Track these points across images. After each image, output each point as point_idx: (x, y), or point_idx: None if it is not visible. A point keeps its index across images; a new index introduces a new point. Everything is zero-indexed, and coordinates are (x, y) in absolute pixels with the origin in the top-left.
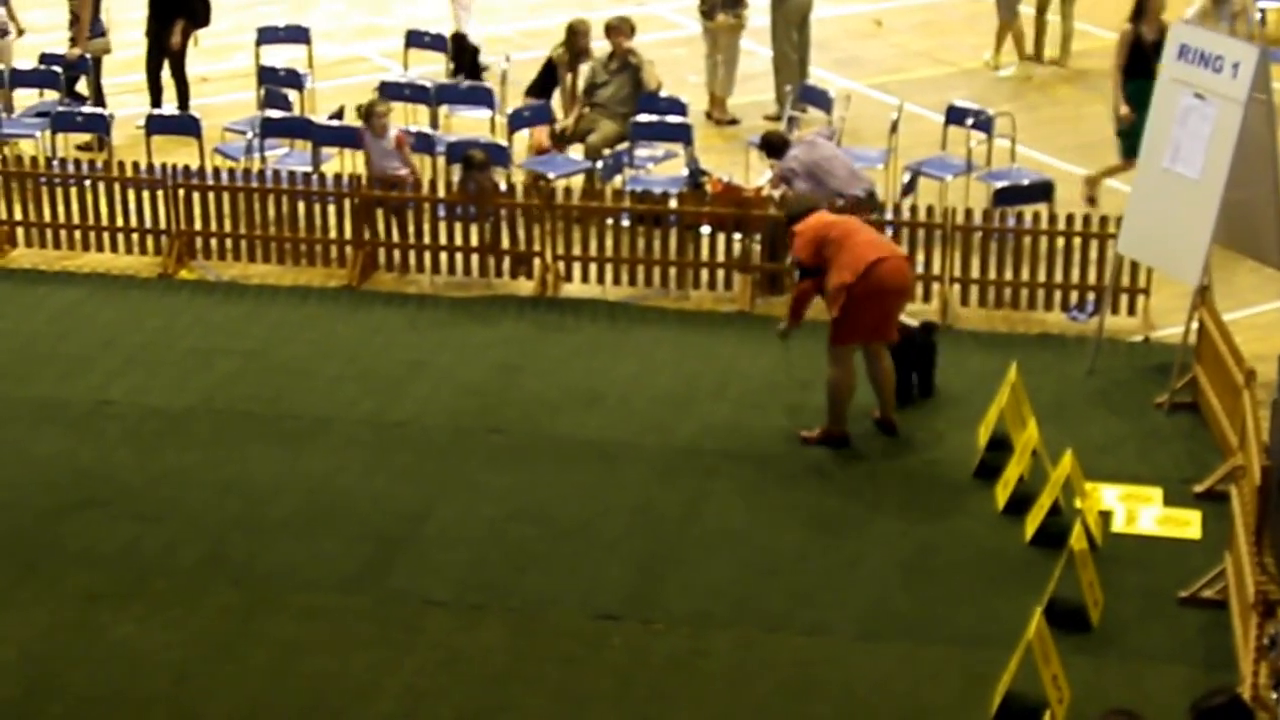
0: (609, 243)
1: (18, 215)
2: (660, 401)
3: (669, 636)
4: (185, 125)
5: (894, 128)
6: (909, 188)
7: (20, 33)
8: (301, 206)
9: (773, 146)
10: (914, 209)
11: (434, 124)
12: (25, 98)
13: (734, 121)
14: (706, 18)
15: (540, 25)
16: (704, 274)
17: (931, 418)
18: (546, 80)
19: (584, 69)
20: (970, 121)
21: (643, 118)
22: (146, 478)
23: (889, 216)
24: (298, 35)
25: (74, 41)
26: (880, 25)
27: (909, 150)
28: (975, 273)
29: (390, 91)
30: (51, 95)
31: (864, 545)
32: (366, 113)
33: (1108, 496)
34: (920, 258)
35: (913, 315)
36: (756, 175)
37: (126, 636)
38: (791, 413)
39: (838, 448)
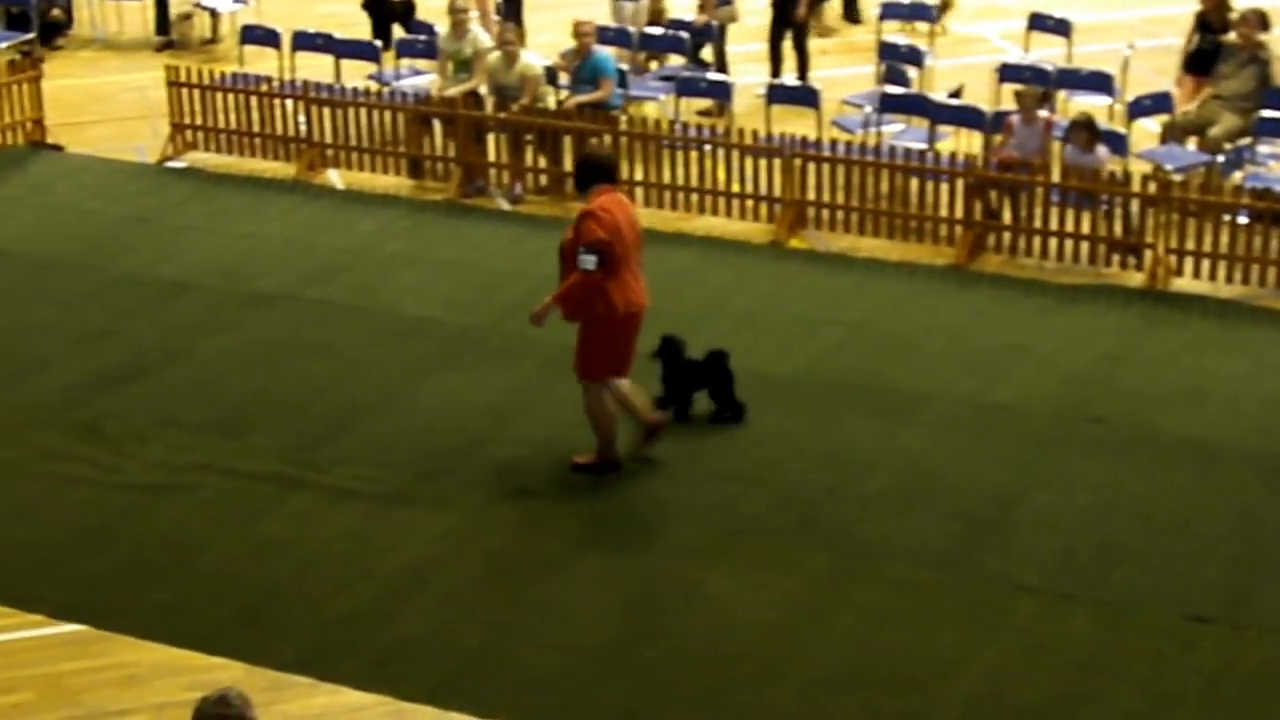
0: (1224, 239)
1: (638, 175)
2: (1270, 405)
3: (1262, 643)
4: (804, 96)
5: None
6: None
7: None
8: (914, 183)
9: None
10: None
11: (1052, 108)
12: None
13: None
14: None
15: (1165, 12)
16: None
17: None
18: (1206, 56)
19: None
20: None
21: (1268, 113)
22: (748, 440)
23: None
24: (917, 13)
25: (702, 8)
26: None
27: None
28: None
29: (1009, 74)
30: (677, 60)
31: None
32: (1021, 98)
33: None
34: None
35: None
36: None
37: (720, 592)
38: None
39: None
